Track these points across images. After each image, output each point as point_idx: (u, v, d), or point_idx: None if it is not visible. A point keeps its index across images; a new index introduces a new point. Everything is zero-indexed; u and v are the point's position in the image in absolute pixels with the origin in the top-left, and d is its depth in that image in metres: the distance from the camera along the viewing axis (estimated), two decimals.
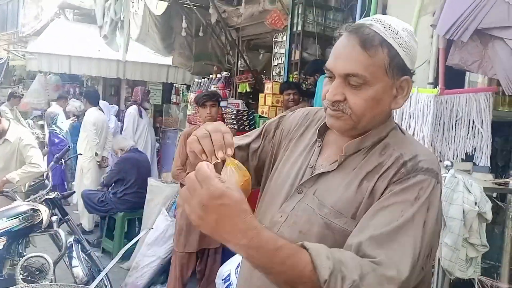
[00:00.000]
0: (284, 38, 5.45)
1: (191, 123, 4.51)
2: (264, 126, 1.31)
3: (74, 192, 4.36)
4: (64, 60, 8.22)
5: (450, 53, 2.47)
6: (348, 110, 1.01)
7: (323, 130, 1.16)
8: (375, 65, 0.98)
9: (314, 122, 1.22)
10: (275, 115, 4.21)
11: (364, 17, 3.37)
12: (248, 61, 6.65)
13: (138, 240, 3.54)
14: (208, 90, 3.82)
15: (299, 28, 5.20)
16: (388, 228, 0.90)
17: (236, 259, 2.67)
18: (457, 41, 2.42)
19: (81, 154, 4.74)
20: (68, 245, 3.29)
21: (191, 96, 4.60)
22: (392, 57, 0.99)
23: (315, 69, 4.67)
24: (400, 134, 1.10)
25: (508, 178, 2.29)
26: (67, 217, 3.45)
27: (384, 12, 3.14)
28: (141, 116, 6.27)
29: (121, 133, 6.20)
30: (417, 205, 0.94)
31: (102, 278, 3.55)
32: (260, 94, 4.42)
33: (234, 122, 3.96)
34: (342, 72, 0.99)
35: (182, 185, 3.40)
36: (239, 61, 6.68)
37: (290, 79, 5.32)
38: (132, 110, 6.15)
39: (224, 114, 4.04)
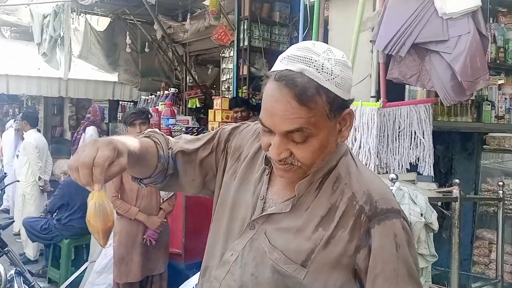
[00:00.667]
0: (232, 53, 5.47)
1: None
2: (218, 132, 1.24)
3: (13, 221, 4.06)
4: (1, 80, 7.80)
5: (389, 67, 2.55)
6: (297, 163, 0.96)
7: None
8: (316, 115, 0.91)
9: None
10: None
11: (307, 33, 3.45)
12: (196, 76, 6.61)
13: (83, 271, 3.35)
14: (136, 108, 3.66)
15: (246, 43, 5.23)
16: None
17: (187, 285, 2.58)
18: (396, 56, 2.50)
19: (18, 181, 4.43)
20: (9, 278, 3.06)
21: None
22: (332, 101, 0.92)
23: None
24: (350, 162, 1.05)
25: (451, 186, 2.37)
26: (6, 248, 3.21)
27: (326, 28, 3.20)
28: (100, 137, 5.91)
29: None
30: (402, 254, 0.94)
31: None
32: (209, 110, 4.37)
33: None
34: (283, 131, 0.92)
35: (117, 213, 3.22)
36: (188, 77, 6.62)
37: (240, 94, 5.33)
38: (93, 131, 5.71)
39: (172, 133, 3.95)
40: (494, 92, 3.00)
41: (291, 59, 0.93)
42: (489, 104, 2.93)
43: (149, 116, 3.27)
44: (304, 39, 3.69)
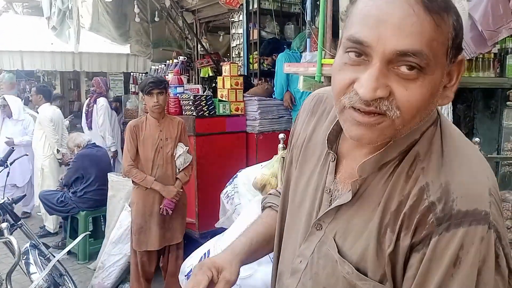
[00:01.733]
0: (241, 18, 5.28)
1: (147, 113, 4.30)
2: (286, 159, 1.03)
3: (25, 195, 4.09)
4: (16, 56, 7.83)
5: None
6: (394, 112, 0.66)
7: (334, 136, 0.83)
8: (439, 40, 0.63)
9: (325, 115, 0.90)
10: (235, 98, 4.09)
11: None
12: (208, 44, 6.46)
13: (81, 240, 3.32)
14: (154, 76, 3.57)
15: (255, 6, 5.04)
16: None
17: (198, 253, 2.55)
18: None
19: (27, 155, 4.45)
20: (24, 251, 3.10)
21: None
22: (457, 30, 0.65)
23: (271, 49, 4.55)
24: (437, 135, 0.75)
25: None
26: (19, 222, 3.23)
27: None
28: (112, 108, 5.96)
29: (91, 129, 5.82)
30: (459, 275, 0.66)
31: (67, 279, 3.41)
32: (218, 77, 4.25)
33: (192, 108, 3.77)
34: (393, 50, 0.62)
35: (134, 182, 3.20)
36: (199, 45, 6.47)
37: (251, 60, 5.18)
38: (104, 102, 5.72)
39: (181, 101, 3.85)
40: None
41: None
42: None
43: (166, 86, 3.19)
44: None
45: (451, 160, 0.72)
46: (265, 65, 4.88)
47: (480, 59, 2.63)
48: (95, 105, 5.67)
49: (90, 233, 4.34)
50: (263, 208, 1.14)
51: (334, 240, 0.79)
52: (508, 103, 2.58)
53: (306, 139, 0.91)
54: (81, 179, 4.44)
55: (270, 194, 1.14)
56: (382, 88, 0.64)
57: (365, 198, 0.76)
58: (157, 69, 5.15)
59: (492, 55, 2.69)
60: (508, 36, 2.57)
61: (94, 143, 4.72)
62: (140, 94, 3.28)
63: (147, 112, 3.28)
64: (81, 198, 4.40)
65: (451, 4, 0.64)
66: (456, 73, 0.71)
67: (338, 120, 0.77)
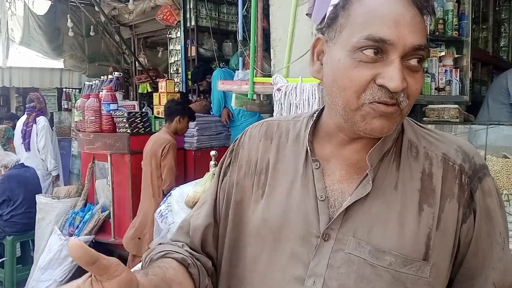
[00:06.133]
0: (179, 34, 5.28)
1: (79, 131, 4.16)
2: (215, 189, 0.93)
3: None
4: None
5: None
6: (406, 101, 0.72)
7: (311, 143, 0.84)
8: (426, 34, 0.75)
9: (284, 138, 0.89)
10: None
11: (247, 9, 3.33)
12: (146, 60, 6.38)
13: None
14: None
15: (193, 23, 5.06)
16: (504, 260, 0.81)
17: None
18: None
19: None
20: None
21: (79, 101, 4.24)
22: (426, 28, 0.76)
23: (203, 73, 4.58)
24: (411, 123, 0.86)
25: None
26: None
27: (266, 4, 3.09)
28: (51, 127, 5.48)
29: (29, 150, 5.15)
30: (501, 213, 0.82)
31: None
32: (154, 94, 4.21)
33: (127, 125, 3.70)
34: (411, 45, 0.70)
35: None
36: (136, 61, 6.38)
37: (189, 76, 5.17)
38: (45, 122, 5.19)
39: (114, 118, 3.76)
40: (434, 64, 2.98)
41: None
42: (429, 76, 2.92)
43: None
44: (245, 16, 3.58)
45: (439, 134, 0.83)
46: (199, 90, 4.92)
47: None
48: (34, 125, 5.12)
49: (6, 259, 4.06)
50: (153, 260, 0.82)
51: (356, 238, 0.75)
52: (424, 118, 2.76)
53: (271, 162, 0.87)
54: (8, 201, 4.18)
55: (161, 244, 0.88)
56: (403, 80, 0.71)
57: (377, 187, 0.77)
58: (91, 84, 5.00)
59: None
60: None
61: (22, 163, 4.47)
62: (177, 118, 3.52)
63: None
64: (8, 222, 4.13)
65: (430, 2, 0.73)
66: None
67: (310, 131, 0.83)
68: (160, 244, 0.88)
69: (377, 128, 0.73)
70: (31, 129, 5.24)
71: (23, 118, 5.44)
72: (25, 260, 4.38)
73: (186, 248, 0.86)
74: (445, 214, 0.76)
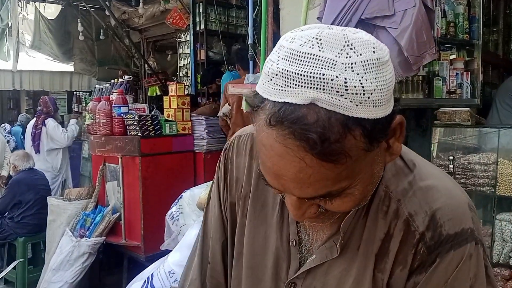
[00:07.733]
0: (188, 38, 5.32)
1: (90, 133, 4.19)
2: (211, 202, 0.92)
3: None
4: None
5: None
6: (334, 214, 0.68)
7: None
8: (349, 164, 0.59)
9: None
10: (182, 118, 4.08)
11: (257, 13, 3.36)
12: (156, 63, 6.44)
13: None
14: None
15: (202, 27, 5.10)
16: None
17: (142, 277, 2.49)
18: None
19: None
20: None
21: (90, 104, 4.28)
22: (370, 131, 0.58)
23: (213, 75, 4.62)
24: (398, 163, 0.74)
25: None
26: None
27: (276, 8, 3.11)
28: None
29: (38, 152, 5.31)
30: None
31: None
32: (164, 97, 4.23)
33: (138, 128, 3.72)
34: (301, 197, 0.63)
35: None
36: (146, 64, 6.43)
37: (198, 79, 5.21)
38: (53, 123, 5.35)
39: (125, 121, 3.79)
40: (445, 67, 2.98)
41: (288, 80, 0.57)
42: (440, 80, 2.92)
43: None
44: (254, 20, 3.60)
45: (424, 183, 0.71)
46: (209, 93, 4.96)
47: (410, 82, 2.81)
48: (43, 127, 5.30)
49: (23, 260, 4.10)
50: None
51: None
52: (435, 121, 2.76)
53: (252, 188, 0.82)
54: (19, 204, 4.23)
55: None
56: (310, 209, 0.65)
57: (344, 247, 0.73)
58: (102, 88, 5.05)
59: (421, 78, 2.87)
60: (434, 60, 2.77)
61: (31, 168, 4.51)
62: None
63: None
64: (19, 223, 4.18)
65: (348, 122, 0.57)
66: (399, 129, 0.64)
67: None
68: None
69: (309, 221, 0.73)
70: (40, 131, 5.38)
71: (32, 121, 5.59)
72: (36, 261, 4.42)
73: None
74: (393, 280, 0.71)
